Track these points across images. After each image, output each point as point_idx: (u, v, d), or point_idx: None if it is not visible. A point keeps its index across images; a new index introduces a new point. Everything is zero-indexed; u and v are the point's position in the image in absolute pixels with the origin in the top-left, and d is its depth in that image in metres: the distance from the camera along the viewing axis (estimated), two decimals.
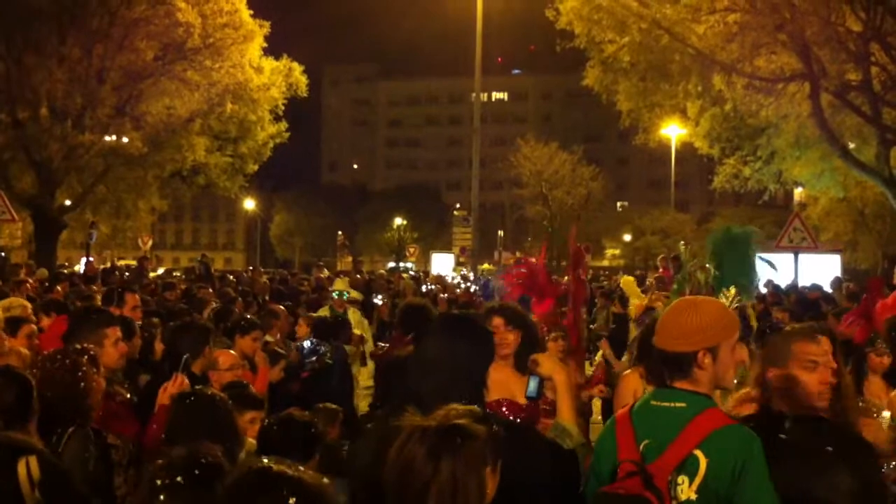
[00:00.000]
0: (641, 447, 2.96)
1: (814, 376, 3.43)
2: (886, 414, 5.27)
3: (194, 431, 3.57)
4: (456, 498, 2.33)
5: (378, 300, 13.79)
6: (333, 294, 11.01)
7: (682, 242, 7.03)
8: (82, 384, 3.96)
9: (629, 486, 2.85)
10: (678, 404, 2.97)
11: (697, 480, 2.84)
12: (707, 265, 5.70)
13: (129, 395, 4.86)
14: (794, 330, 3.76)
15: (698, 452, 2.85)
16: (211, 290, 13.04)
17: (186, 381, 4.51)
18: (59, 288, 12.82)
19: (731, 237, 6.04)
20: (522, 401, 4.16)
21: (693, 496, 2.84)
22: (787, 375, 3.44)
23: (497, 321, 4.20)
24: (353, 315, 10.69)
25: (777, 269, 7.69)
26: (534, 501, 2.94)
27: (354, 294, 12.04)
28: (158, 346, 6.13)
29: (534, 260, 7.34)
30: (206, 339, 5.50)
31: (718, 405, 3.01)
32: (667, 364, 3.04)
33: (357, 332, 9.80)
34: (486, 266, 32.34)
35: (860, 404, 5.77)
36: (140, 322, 6.79)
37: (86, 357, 4.09)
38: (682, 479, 2.86)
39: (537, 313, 6.64)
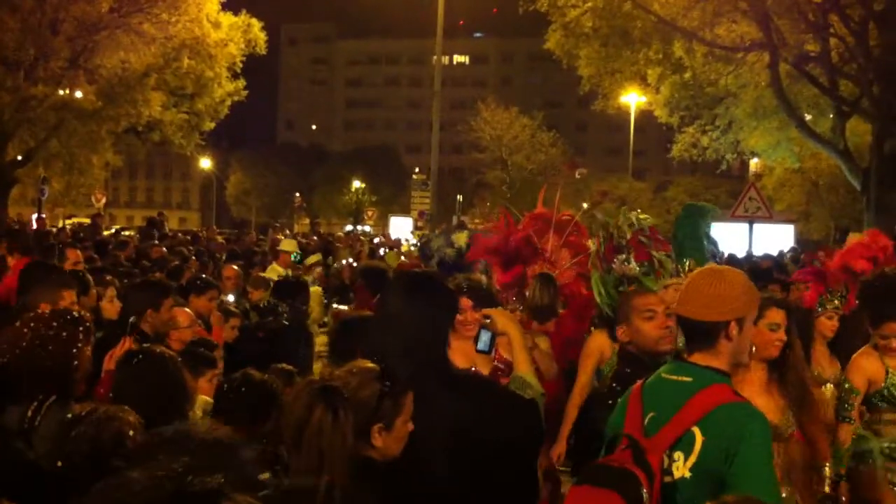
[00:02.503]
0: (646, 420, 2.92)
1: (652, 324, 3.85)
2: (830, 385, 5.34)
3: (141, 392, 3.51)
4: (321, 445, 2.59)
5: (346, 263, 13.71)
6: (291, 256, 10.97)
7: (638, 210, 7.03)
8: (76, 362, 3.86)
9: (620, 458, 2.81)
10: (685, 378, 2.91)
11: (692, 458, 2.78)
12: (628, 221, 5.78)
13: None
14: (633, 290, 4.30)
15: (696, 429, 2.79)
16: (164, 249, 12.85)
17: (133, 345, 4.41)
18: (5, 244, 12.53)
19: (687, 211, 6.14)
20: (486, 371, 4.23)
21: (687, 474, 2.79)
22: (631, 328, 3.85)
23: (465, 302, 4.18)
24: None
25: (719, 251, 7.82)
26: (499, 452, 2.94)
27: (315, 258, 11.95)
28: (108, 306, 5.99)
29: (509, 224, 7.24)
30: (165, 296, 5.40)
31: (729, 382, 2.94)
32: (691, 334, 2.97)
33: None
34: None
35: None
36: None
37: (82, 328, 3.98)
38: (678, 456, 2.81)
39: (499, 281, 6.60)
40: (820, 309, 6.00)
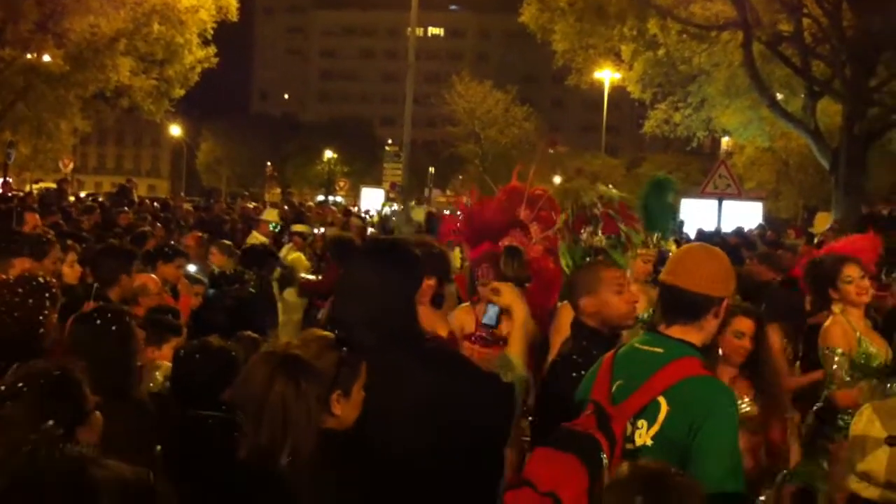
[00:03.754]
0: (614, 388, 2.92)
1: (621, 298, 3.80)
2: (839, 350, 5.28)
3: (95, 346, 3.48)
4: (286, 417, 2.55)
5: (317, 233, 13.66)
6: (269, 226, 10.95)
7: (610, 186, 7.05)
8: (42, 329, 3.80)
9: (584, 423, 2.82)
10: (657, 349, 2.91)
11: (655, 427, 2.79)
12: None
13: None
14: (602, 261, 4.22)
15: (661, 399, 2.79)
16: (132, 216, 12.74)
17: None
18: None
19: (655, 183, 6.16)
20: (444, 334, 4.22)
21: (649, 442, 2.80)
22: (599, 300, 3.79)
23: (427, 282, 4.14)
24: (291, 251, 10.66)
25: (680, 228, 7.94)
26: (466, 431, 2.89)
27: (302, 227, 11.91)
28: (68, 271, 5.93)
29: (466, 202, 7.22)
30: (127, 264, 5.35)
31: (701, 357, 2.92)
32: (677, 305, 2.94)
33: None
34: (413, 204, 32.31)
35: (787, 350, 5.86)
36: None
37: (48, 294, 3.92)
38: (642, 424, 2.82)
39: (470, 258, 6.59)
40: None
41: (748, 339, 4.32)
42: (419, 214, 16.46)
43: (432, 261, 4.13)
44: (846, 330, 5.17)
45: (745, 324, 4.32)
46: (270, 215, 11.57)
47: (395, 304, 2.99)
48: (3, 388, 2.66)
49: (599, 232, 5.96)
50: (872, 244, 6.67)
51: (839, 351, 5.14)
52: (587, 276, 4.02)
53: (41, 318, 3.79)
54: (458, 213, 7.17)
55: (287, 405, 2.56)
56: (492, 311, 3.45)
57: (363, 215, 23.80)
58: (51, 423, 2.55)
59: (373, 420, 2.77)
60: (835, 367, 5.14)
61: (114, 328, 3.57)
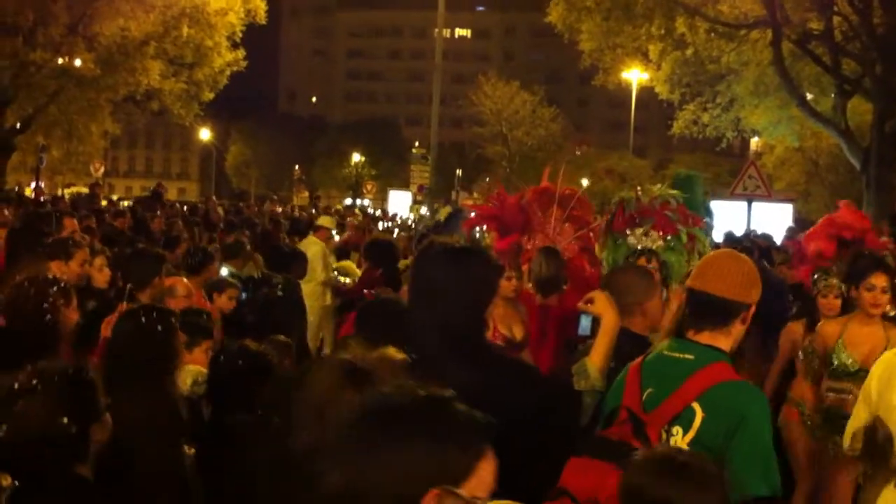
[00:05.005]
0: (644, 395, 2.93)
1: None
2: (813, 350, 5.49)
3: (138, 341, 3.54)
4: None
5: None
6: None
7: (639, 188, 7.03)
8: (48, 316, 3.86)
9: (620, 432, 2.83)
10: (687, 356, 2.92)
11: (691, 434, 2.80)
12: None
13: None
14: (632, 266, 4.42)
15: (696, 405, 2.81)
16: (162, 219, 12.87)
17: None
18: (6, 212, 12.52)
19: (682, 179, 6.15)
20: (519, 335, 4.34)
21: (685, 448, 2.79)
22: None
23: None
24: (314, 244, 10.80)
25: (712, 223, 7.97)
26: (519, 432, 2.87)
27: (328, 221, 12.03)
28: (97, 274, 5.99)
29: (503, 194, 7.24)
30: (158, 267, 5.41)
31: (730, 361, 2.93)
32: (707, 311, 2.94)
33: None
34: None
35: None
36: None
37: (55, 288, 3.98)
38: (677, 431, 2.83)
39: (496, 248, 6.59)
40: (815, 290, 6.06)
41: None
42: (443, 213, 16.49)
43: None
44: (832, 333, 5.35)
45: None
46: (326, 221, 11.71)
47: (466, 311, 2.92)
48: (17, 385, 2.70)
49: (651, 231, 5.93)
50: (854, 217, 6.75)
51: (815, 350, 5.45)
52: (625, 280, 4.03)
53: (51, 313, 3.85)
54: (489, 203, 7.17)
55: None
56: (585, 321, 3.40)
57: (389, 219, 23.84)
58: (65, 420, 2.61)
59: None
60: (810, 365, 5.48)
61: (159, 327, 3.63)
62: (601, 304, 3.31)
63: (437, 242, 3.11)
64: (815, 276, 6.13)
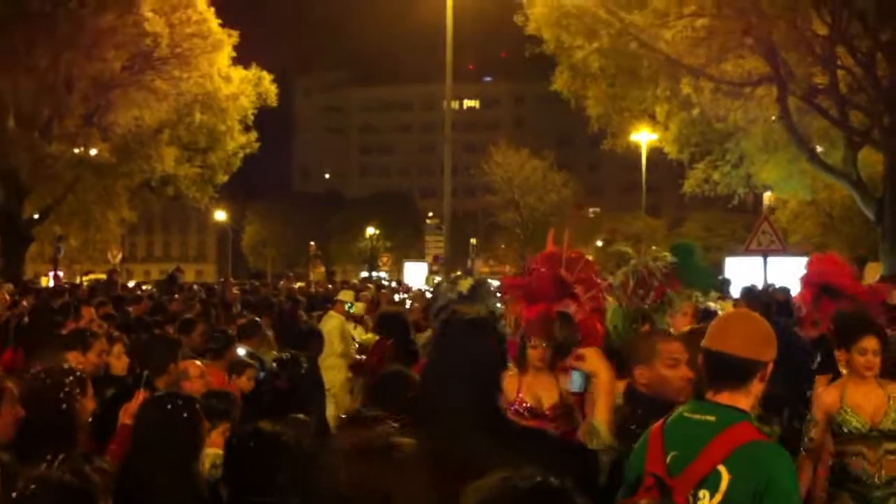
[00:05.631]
0: (668, 459, 2.91)
1: (676, 372, 3.77)
2: (815, 419, 5.50)
3: (166, 431, 3.54)
4: None
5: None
6: (345, 306, 11.23)
7: (654, 248, 7.05)
8: (65, 405, 3.86)
9: (647, 498, 2.82)
10: (708, 417, 2.91)
11: (718, 497, 2.78)
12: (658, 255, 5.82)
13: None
14: (657, 331, 4.32)
15: (722, 468, 2.80)
16: (179, 302, 12.93)
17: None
18: (24, 303, 12.63)
19: (677, 249, 6.21)
20: (549, 402, 4.44)
21: None
22: (653, 373, 3.79)
23: None
24: (359, 331, 10.91)
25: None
26: None
27: (358, 308, 12.09)
28: (115, 362, 6.02)
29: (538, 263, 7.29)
30: (174, 352, 5.43)
31: (752, 421, 2.94)
32: (725, 371, 2.94)
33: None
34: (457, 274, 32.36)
35: None
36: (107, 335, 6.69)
37: (71, 378, 4.00)
38: (704, 494, 2.81)
39: (525, 316, 6.60)
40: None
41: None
42: (465, 285, 16.46)
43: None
44: (833, 398, 5.31)
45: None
46: (346, 296, 11.78)
47: (485, 382, 2.96)
48: (15, 494, 2.67)
49: (651, 296, 5.95)
50: (838, 267, 6.76)
51: (813, 417, 5.38)
52: (643, 347, 4.03)
53: (67, 403, 3.85)
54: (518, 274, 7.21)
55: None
56: (576, 377, 3.44)
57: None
58: None
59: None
60: (807, 433, 5.39)
61: (185, 414, 3.63)
62: (593, 360, 3.37)
63: (460, 313, 3.17)
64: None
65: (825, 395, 5.36)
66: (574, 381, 3.46)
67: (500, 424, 2.98)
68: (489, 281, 17.64)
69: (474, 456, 2.76)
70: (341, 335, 10.57)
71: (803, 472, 5.24)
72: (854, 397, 5.21)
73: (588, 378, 3.38)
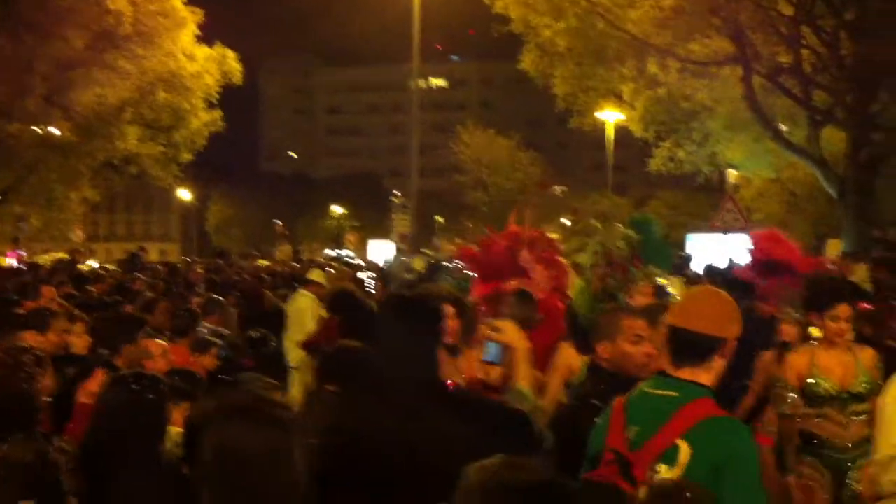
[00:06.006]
0: (630, 434, 2.93)
1: (639, 349, 3.84)
2: (787, 384, 5.57)
3: (130, 411, 3.50)
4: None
5: None
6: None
7: (618, 225, 7.14)
8: (24, 385, 3.81)
9: (606, 473, 2.84)
10: (671, 393, 2.93)
11: (677, 471, 2.80)
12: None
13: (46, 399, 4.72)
14: (622, 307, 4.42)
15: (681, 442, 2.81)
16: (143, 282, 12.80)
17: (106, 378, 4.37)
18: None
19: (636, 223, 6.26)
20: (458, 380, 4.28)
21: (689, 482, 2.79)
22: (615, 348, 3.84)
23: (449, 310, 4.23)
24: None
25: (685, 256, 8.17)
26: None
27: (319, 275, 11.99)
28: (76, 341, 5.96)
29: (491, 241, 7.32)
30: (133, 331, 5.37)
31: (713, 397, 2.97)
32: (685, 347, 2.97)
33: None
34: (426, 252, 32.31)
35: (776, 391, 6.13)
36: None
37: (29, 357, 3.94)
38: (663, 468, 2.83)
39: (476, 294, 6.65)
40: (781, 317, 6.23)
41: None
42: (418, 264, 16.53)
43: (461, 306, 4.22)
44: (803, 363, 5.40)
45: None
46: (317, 276, 11.67)
47: (422, 357, 3.08)
48: None
49: (618, 276, 6.01)
50: (780, 243, 6.88)
51: (787, 383, 5.45)
52: (607, 323, 4.06)
53: (27, 383, 3.80)
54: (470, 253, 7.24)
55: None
56: (492, 348, 3.49)
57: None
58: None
59: (414, 468, 2.84)
60: (788, 398, 5.43)
61: (151, 395, 3.59)
62: (511, 332, 3.44)
63: (392, 295, 3.42)
64: (785, 307, 6.31)
65: (796, 359, 5.46)
66: (490, 352, 3.51)
67: (441, 395, 3.09)
68: (446, 264, 17.77)
69: (415, 424, 2.85)
70: (312, 315, 10.52)
71: (787, 434, 5.37)
72: (824, 361, 5.32)
73: (503, 349, 3.46)
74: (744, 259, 17.08)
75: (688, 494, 2.53)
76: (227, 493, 2.29)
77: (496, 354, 3.48)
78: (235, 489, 2.27)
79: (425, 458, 2.82)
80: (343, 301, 7.02)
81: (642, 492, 2.52)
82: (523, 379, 3.38)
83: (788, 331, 6.22)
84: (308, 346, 9.38)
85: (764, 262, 6.99)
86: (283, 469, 2.30)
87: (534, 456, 3.12)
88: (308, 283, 11.26)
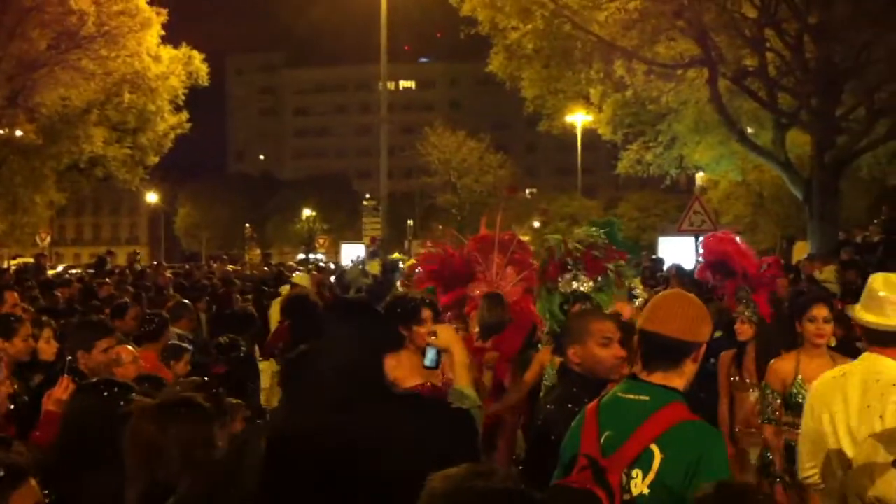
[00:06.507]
0: (602, 440, 2.92)
1: (608, 351, 3.82)
2: (756, 392, 5.64)
3: (96, 423, 3.46)
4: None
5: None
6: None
7: (582, 228, 7.21)
8: None
9: (580, 479, 2.82)
10: (642, 397, 2.93)
11: (651, 476, 2.80)
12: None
13: (10, 406, 4.66)
14: (591, 310, 4.35)
15: (654, 447, 2.82)
16: (111, 286, 12.68)
17: (72, 384, 4.31)
18: None
19: (601, 225, 6.31)
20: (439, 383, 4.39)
21: (645, 491, 2.81)
22: (586, 351, 3.84)
23: (427, 313, 4.26)
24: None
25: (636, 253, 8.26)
26: (437, 464, 2.95)
27: (303, 279, 11.97)
28: (44, 346, 5.88)
29: (447, 249, 7.36)
30: (97, 336, 5.28)
31: (685, 401, 2.98)
32: (658, 352, 2.97)
33: None
34: (395, 255, 32.27)
35: (735, 379, 6.21)
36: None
37: None
38: (637, 473, 2.83)
39: (441, 302, 6.67)
40: (736, 315, 6.33)
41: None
42: (375, 268, 16.59)
43: (435, 309, 4.27)
44: (787, 370, 5.43)
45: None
46: (301, 279, 11.64)
47: (365, 360, 3.10)
48: None
49: (581, 277, 6.03)
50: (731, 245, 6.99)
51: (773, 390, 5.47)
52: (576, 326, 4.06)
53: None
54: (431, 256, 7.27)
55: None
56: (431, 354, 3.59)
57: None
58: None
59: (359, 464, 2.86)
60: (767, 405, 5.49)
61: (122, 403, 3.55)
62: (448, 337, 3.55)
63: (340, 301, 3.49)
64: (739, 307, 6.38)
65: (781, 365, 5.48)
66: (429, 357, 3.61)
67: (383, 394, 3.14)
68: (400, 265, 17.81)
69: (364, 420, 2.89)
70: None
71: (774, 441, 5.40)
72: (808, 370, 5.32)
73: (440, 354, 3.57)
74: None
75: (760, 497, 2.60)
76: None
77: (433, 359, 3.58)
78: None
79: (365, 456, 2.85)
80: (294, 305, 7.03)
81: (705, 488, 2.55)
82: (462, 378, 3.48)
83: (744, 330, 6.28)
84: (265, 351, 9.40)
85: (715, 264, 7.09)
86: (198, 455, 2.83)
87: (472, 452, 3.21)
88: (293, 287, 11.24)
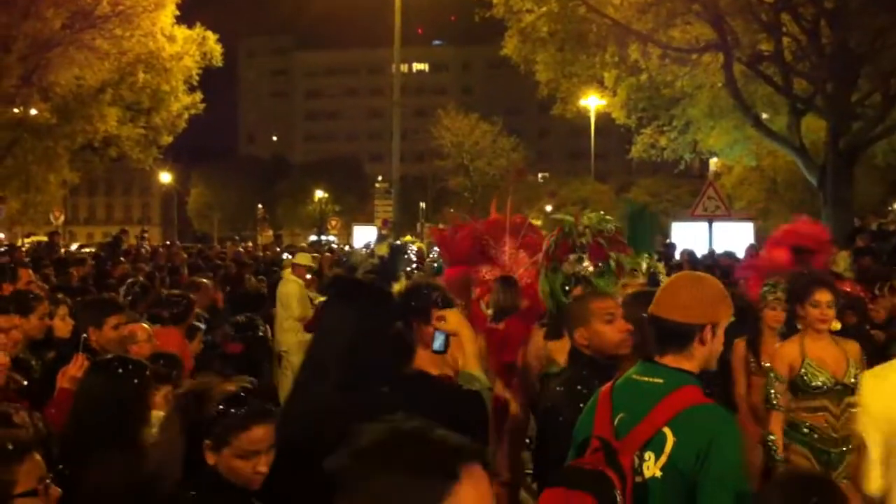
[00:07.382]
0: (616, 422, 2.93)
1: (612, 327, 3.86)
2: (779, 374, 5.60)
3: (110, 398, 3.48)
4: None
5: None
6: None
7: (602, 213, 7.16)
8: None
9: (593, 461, 2.83)
10: (656, 380, 2.93)
11: (663, 458, 2.81)
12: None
13: (24, 382, 4.69)
14: (590, 292, 4.39)
15: (667, 430, 2.82)
16: (126, 266, 12.74)
17: (87, 362, 4.33)
18: None
19: (633, 213, 6.29)
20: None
21: (658, 473, 2.82)
22: (591, 331, 3.88)
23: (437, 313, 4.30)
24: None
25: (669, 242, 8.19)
26: None
27: (305, 259, 12.06)
28: (60, 324, 5.91)
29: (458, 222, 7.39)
30: (106, 313, 5.28)
31: (699, 384, 2.97)
32: (664, 335, 2.98)
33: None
34: (407, 238, 32.26)
35: (752, 364, 6.14)
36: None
37: None
38: (649, 456, 2.84)
39: (446, 277, 6.71)
40: (763, 301, 6.20)
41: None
42: (382, 249, 16.60)
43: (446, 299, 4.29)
44: (794, 354, 5.38)
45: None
46: (304, 259, 11.68)
47: (367, 340, 3.14)
48: None
49: (585, 260, 6.02)
50: (813, 228, 6.92)
51: (778, 375, 5.41)
52: (578, 308, 4.08)
53: None
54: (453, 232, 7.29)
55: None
56: (439, 339, 3.57)
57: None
58: None
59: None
60: (771, 390, 5.41)
61: (135, 380, 3.58)
62: (455, 321, 3.55)
63: (338, 280, 3.59)
64: (765, 290, 6.29)
65: (787, 350, 5.44)
66: (438, 342, 3.59)
67: (388, 374, 3.18)
68: (410, 245, 17.84)
69: (370, 401, 2.90)
70: (299, 299, 10.56)
71: (776, 428, 5.35)
72: (815, 352, 5.32)
73: (448, 338, 3.56)
74: (727, 246, 17.17)
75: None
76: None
77: (441, 343, 3.58)
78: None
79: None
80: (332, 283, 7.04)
81: (783, 472, 2.64)
82: (470, 361, 3.50)
83: (775, 316, 6.20)
84: (307, 328, 9.49)
85: (803, 249, 7.02)
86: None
87: (482, 433, 3.27)
88: (295, 268, 11.28)
